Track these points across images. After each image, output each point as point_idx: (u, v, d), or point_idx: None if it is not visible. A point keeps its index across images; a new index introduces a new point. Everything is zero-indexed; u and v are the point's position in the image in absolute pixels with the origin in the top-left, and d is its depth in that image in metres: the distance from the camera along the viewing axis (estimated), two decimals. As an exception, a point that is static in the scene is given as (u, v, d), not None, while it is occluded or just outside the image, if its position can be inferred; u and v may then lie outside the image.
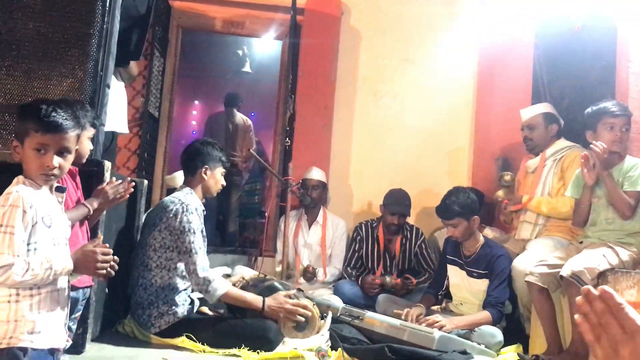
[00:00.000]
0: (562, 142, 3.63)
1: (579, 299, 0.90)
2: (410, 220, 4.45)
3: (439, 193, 3.64)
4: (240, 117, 6.54)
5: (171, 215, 2.92)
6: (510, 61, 4.58)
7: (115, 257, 1.82)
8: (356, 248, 4.33)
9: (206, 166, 3.13)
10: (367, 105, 4.86)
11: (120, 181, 2.51)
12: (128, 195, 2.54)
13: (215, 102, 8.11)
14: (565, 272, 2.75)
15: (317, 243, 4.41)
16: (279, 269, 4.14)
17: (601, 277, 2.74)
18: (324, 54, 4.81)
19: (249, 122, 6.62)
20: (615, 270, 2.73)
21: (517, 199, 3.64)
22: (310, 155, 4.66)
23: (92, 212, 2.38)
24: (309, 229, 4.45)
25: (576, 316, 0.89)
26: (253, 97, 8.34)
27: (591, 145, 2.90)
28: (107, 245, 1.82)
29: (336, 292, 4.01)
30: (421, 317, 3.27)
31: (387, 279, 4.02)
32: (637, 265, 2.87)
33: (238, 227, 6.32)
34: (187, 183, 3.15)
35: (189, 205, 2.94)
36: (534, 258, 3.12)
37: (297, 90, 4.75)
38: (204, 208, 3.09)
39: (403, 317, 3.29)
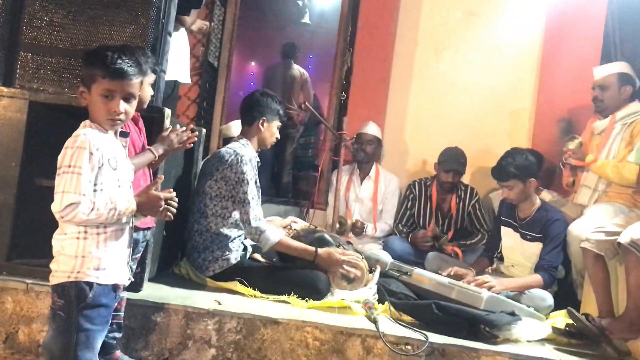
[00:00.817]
0: (636, 106, 3.44)
1: None
2: (466, 180, 4.39)
3: (497, 153, 3.55)
4: (297, 69, 6.52)
5: (227, 166, 2.99)
6: (581, 17, 4.36)
7: (176, 198, 1.89)
8: (408, 206, 4.32)
9: (264, 118, 3.16)
10: (427, 60, 4.74)
11: (184, 128, 2.57)
12: (192, 144, 2.61)
13: (274, 53, 8.08)
14: (623, 239, 2.67)
15: (368, 198, 4.42)
16: (330, 221, 4.19)
17: (663, 246, 2.65)
18: (385, 6, 4.69)
19: (306, 74, 6.59)
20: (678, 241, 2.63)
21: (582, 155, 3.51)
22: (366, 110, 4.62)
23: (157, 157, 2.47)
24: (361, 183, 4.46)
25: None
26: (311, 50, 8.26)
27: None
28: (170, 190, 1.89)
29: (386, 247, 4.04)
30: (468, 279, 3.26)
31: (439, 232, 4.00)
32: (701, 237, 2.75)
33: (292, 180, 6.40)
34: (243, 133, 3.20)
35: (243, 156, 2.99)
36: (592, 224, 3.04)
37: (355, 42, 4.68)
38: (258, 159, 3.14)
39: (445, 274, 3.29)
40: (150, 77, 2.40)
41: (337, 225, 4.13)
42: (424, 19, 4.73)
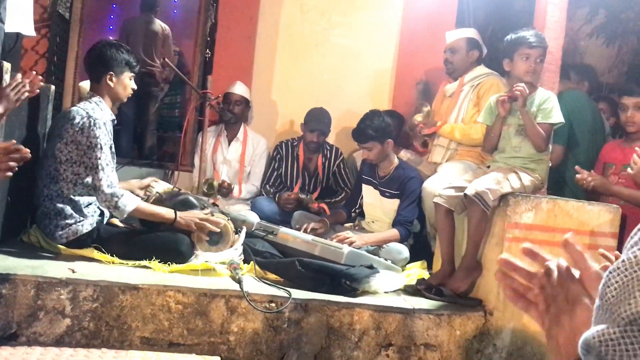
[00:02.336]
0: (481, 69, 3.70)
1: (539, 271, 0.94)
2: (331, 140, 4.48)
3: (360, 114, 3.66)
4: (158, 23, 6.18)
5: (77, 129, 2.77)
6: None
7: (27, 150, 1.72)
8: (275, 167, 4.34)
9: (111, 72, 2.93)
10: (294, 19, 4.71)
11: (20, 81, 2.34)
12: (37, 91, 2.39)
13: (134, 5, 7.62)
14: (469, 191, 2.87)
15: (236, 160, 4.37)
16: (196, 183, 4.10)
17: (502, 199, 2.90)
18: (250, -38, 4.58)
19: (168, 29, 6.27)
20: (516, 194, 2.89)
21: (432, 123, 3.73)
22: (231, 69, 4.52)
23: None
24: (229, 145, 4.39)
25: (496, 273, 0.96)
26: (175, 4, 7.89)
27: (515, 87, 2.96)
28: (13, 141, 1.72)
29: (253, 208, 4.04)
30: (320, 231, 3.37)
31: (304, 196, 4.08)
32: (537, 191, 3.05)
33: (156, 141, 6.15)
34: (94, 90, 2.96)
35: (97, 119, 2.79)
36: (444, 180, 3.24)
37: (219, -2, 4.54)
38: (114, 118, 2.96)
39: (302, 230, 3.38)
40: None
41: (205, 189, 4.05)
42: (288, -22, 4.67)
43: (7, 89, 2.28)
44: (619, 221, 2.86)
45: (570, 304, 0.87)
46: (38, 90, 2.41)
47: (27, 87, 2.33)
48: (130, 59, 2.99)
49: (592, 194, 3.13)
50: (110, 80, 2.94)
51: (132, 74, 3.03)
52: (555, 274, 0.91)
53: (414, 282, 3.03)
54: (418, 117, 3.81)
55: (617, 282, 0.73)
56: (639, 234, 0.75)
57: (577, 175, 3.10)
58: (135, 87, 3.08)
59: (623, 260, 0.74)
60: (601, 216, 2.85)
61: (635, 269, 0.72)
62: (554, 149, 3.31)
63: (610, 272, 0.75)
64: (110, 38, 8.37)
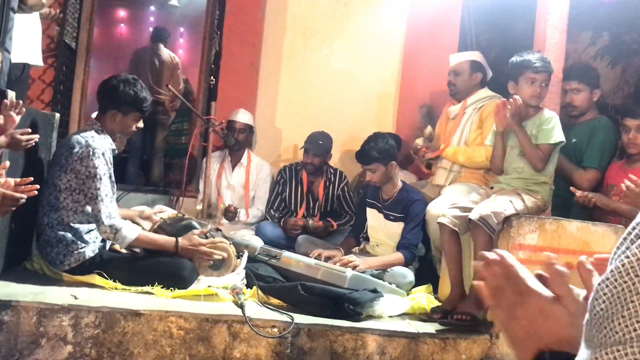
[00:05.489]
0: (484, 92, 3.71)
1: (475, 263, 0.92)
2: (335, 164, 4.49)
3: (364, 138, 3.66)
4: (167, 53, 6.30)
5: (76, 158, 2.77)
6: (440, 10, 4.60)
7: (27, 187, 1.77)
8: (279, 191, 4.34)
9: (116, 110, 2.90)
10: (296, 46, 4.76)
11: (29, 131, 2.44)
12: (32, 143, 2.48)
13: (141, 35, 7.75)
14: (473, 215, 2.87)
15: (240, 185, 4.38)
16: (199, 207, 4.10)
17: (506, 221, 2.88)
18: (253, -11, 4.65)
19: (177, 59, 6.41)
20: (519, 215, 2.87)
21: (435, 146, 3.73)
22: (236, 95, 4.56)
23: None
24: (232, 170, 4.41)
25: (474, 282, 0.90)
26: (182, 33, 8.02)
27: (511, 98, 2.98)
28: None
29: (258, 233, 4.04)
30: (335, 259, 3.35)
31: (310, 221, 4.07)
32: (540, 212, 3.03)
33: (163, 168, 6.19)
34: (98, 118, 2.96)
35: (96, 149, 2.78)
36: (448, 202, 3.23)
37: (224, 26, 4.60)
38: (114, 148, 2.95)
39: (313, 256, 3.36)
40: None
41: (208, 211, 4.06)
42: (291, 4, 4.73)
43: (22, 136, 2.38)
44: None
45: (520, 294, 0.84)
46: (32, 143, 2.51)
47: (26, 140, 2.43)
48: (143, 100, 2.94)
49: (593, 212, 3.11)
50: (114, 117, 2.92)
51: (140, 115, 2.98)
52: (497, 265, 0.88)
53: (420, 305, 3.00)
54: (419, 141, 3.82)
55: (605, 294, 0.68)
56: (625, 243, 0.70)
57: (576, 193, 3.09)
58: (141, 126, 3.05)
59: (612, 270, 0.68)
60: (605, 236, 2.82)
61: (626, 279, 0.66)
62: (589, 173, 3.31)
63: (599, 284, 0.70)
64: (123, 74, 8.56)
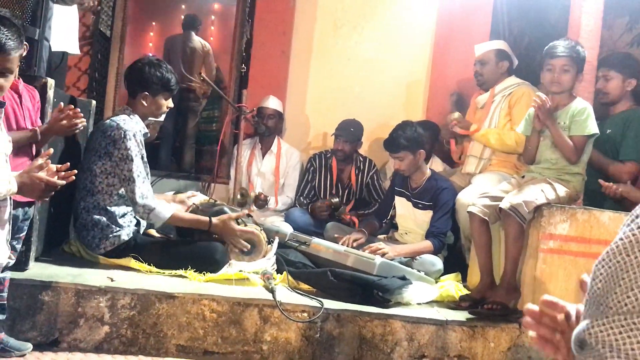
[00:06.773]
0: (512, 79, 3.69)
1: (526, 320, 0.93)
2: (365, 151, 4.50)
3: (394, 125, 3.67)
4: (198, 40, 6.35)
5: (109, 141, 2.84)
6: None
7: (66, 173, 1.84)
8: (309, 178, 4.38)
9: (146, 92, 2.95)
10: (327, 34, 4.77)
11: (78, 111, 2.48)
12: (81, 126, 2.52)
13: (173, 23, 7.83)
14: (504, 204, 2.85)
15: (270, 172, 4.43)
16: (239, 195, 4.16)
17: (537, 210, 2.86)
18: (284, -22, 4.67)
19: (208, 46, 6.44)
20: (550, 205, 2.85)
21: (467, 124, 3.71)
22: (266, 83, 4.59)
23: (39, 136, 2.36)
24: (263, 158, 4.46)
25: (531, 333, 0.94)
26: (213, 21, 8.07)
27: (536, 97, 2.94)
28: (49, 164, 1.82)
29: (287, 219, 4.08)
30: (361, 241, 3.37)
31: (336, 199, 4.08)
32: (572, 202, 3.00)
33: (194, 154, 6.27)
34: (128, 103, 3.03)
35: (127, 131, 2.84)
36: (478, 191, 3.22)
37: (255, 14, 4.63)
38: (146, 132, 3.01)
39: (341, 242, 3.39)
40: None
41: (239, 197, 4.11)
42: (322, -6, 4.73)
43: (65, 119, 2.43)
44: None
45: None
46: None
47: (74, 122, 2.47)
48: (169, 79, 2.98)
49: (626, 204, 3.07)
50: (145, 99, 2.96)
51: (169, 95, 3.03)
52: (574, 318, 0.89)
53: (449, 293, 3.02)
54: (455, 114, 3.77)
55: (601, 273, 0.74)
56: (624, 228, 0.76)
57: (603, 185, 3.04)
58: (172, 106, 3.09)
59: (607, 252, 0.75)
60: (639, 227, 2.78)
61: (618, 259, 0.73)
62: (627, 165, 3.25)
63: (596, 265, 0.76)
64: (151, 55, 8.67)
